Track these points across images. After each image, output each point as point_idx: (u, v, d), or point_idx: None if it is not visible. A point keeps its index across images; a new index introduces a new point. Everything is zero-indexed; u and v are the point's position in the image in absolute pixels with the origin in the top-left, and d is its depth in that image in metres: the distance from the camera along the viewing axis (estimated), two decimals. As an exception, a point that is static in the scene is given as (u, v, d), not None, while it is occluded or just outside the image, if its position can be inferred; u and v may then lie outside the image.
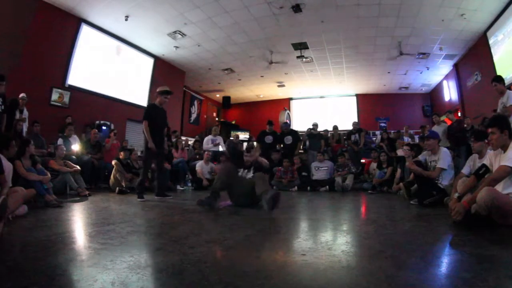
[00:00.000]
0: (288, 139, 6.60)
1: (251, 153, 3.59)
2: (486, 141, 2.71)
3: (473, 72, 8.26)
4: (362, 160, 6.74)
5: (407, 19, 6.98)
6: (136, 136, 8.05)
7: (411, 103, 12.40)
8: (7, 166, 2.46)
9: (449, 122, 6.14)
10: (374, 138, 8.91)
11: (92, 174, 5.25)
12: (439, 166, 3.40)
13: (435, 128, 5.89)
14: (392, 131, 8.98)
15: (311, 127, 7.13)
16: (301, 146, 6.88)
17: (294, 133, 6.79)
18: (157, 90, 4.17)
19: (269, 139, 6.69)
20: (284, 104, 13.50)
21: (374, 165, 5.88)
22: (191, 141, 8.16)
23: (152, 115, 3.96)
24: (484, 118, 5.69)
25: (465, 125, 5.91)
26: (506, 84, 4.33)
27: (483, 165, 2.34)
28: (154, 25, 7.43)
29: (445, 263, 1.42)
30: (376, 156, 5.91)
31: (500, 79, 4.10)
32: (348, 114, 12.38)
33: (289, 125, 6.97)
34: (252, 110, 14.34)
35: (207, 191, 3.48)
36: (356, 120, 8.69)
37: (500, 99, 4.01)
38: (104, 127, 7.27)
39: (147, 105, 4.17)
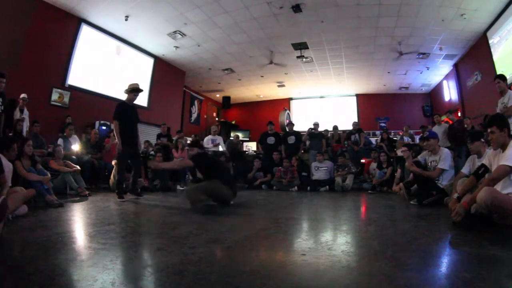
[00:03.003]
0: (292, 139, 6.63)
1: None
2: (482, 140, 2.71)
3: (473, 72, 8.25)
4: (362, 160, 6.73)
5: (407, 19, 6.97)
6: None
7: (411, 103, 12.39)
8: (7, 166, 2.46)
9: (450, 122, 6.13)
10: (376, 140, 8.86)
11: (92, 174, 5.25)
12: (439, 167, 3.40)
13: (436, 128, 5.89)
14: (393, 131, 8.95)
15: (312, 127, 7.14)
16: (302, 146, 6.90)
17: (297, 133, 6.83)
18: (127, 87, 4.06)
19: (271, 140, 6.71)
20: (284, 104, 13.48)
21: (374, 165, 5.88)
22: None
23: (122, 114, 3.86)
24: (486, 115, 5.64)
25: (465, 126, 5.89)
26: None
27: (482, 165, 2.34)
28: (154, 25, 7.42)
29: (445, 263, 1.42)
30: (376, 156, 5.91)
31: (503, 78, 4.10)
32: (348, 114, 12.38)
33: (293, 125, 7.04)
34: (252, 110, 14.34)
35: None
36: (356, 120, 8.68)
37: (501, 99, 4.00)
38: (103, 127, 7.27)
39: (117, 104, 3.97)
